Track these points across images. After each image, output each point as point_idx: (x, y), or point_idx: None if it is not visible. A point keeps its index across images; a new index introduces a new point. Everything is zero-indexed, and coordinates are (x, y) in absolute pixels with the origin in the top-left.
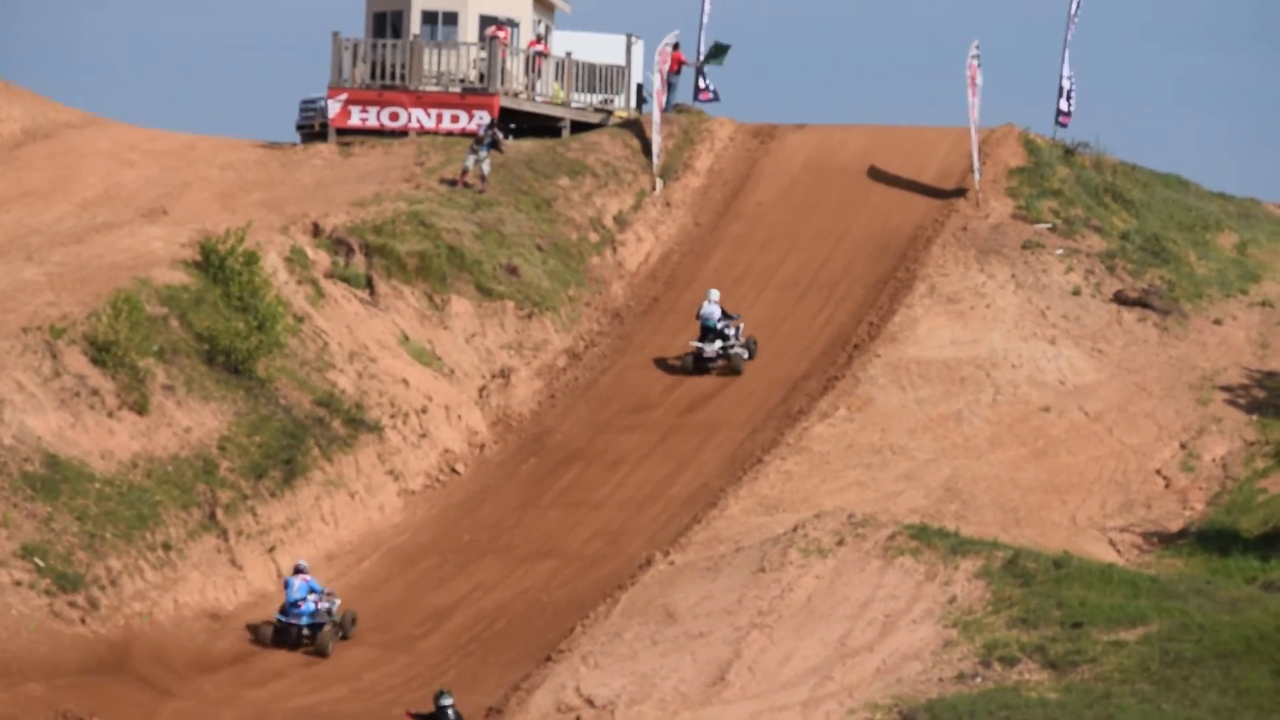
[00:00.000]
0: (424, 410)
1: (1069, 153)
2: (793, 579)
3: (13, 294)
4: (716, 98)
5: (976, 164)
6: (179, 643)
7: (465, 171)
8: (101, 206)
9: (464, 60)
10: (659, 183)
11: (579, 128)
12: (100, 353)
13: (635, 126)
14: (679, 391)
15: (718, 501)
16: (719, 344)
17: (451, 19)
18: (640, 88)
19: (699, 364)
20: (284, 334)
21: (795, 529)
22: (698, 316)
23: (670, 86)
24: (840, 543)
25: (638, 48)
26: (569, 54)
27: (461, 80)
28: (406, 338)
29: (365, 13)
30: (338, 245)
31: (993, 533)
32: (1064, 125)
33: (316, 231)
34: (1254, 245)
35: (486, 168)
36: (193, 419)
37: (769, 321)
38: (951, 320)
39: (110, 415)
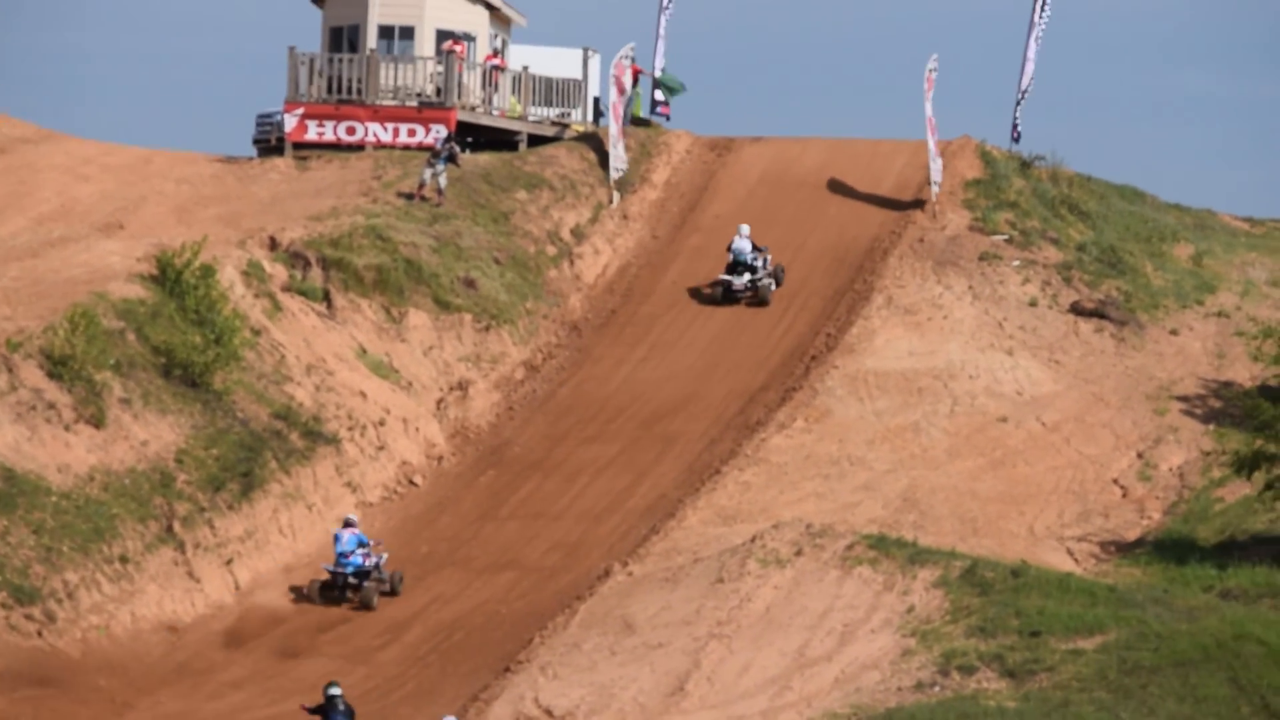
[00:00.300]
0: (381, 423)
1: (1025, 165)
2: (751, 589)
3: None
4: (668, 119)
5: (933, 176)
6: (136, 655)
7: (422, 185)
8: (57, 221)
9: (420, 74)
10: (616, 196)
11: (536, 141)
12: (57, 366)
13: (592, 140)
14: (637, 403)
15: (676, 512)
16: (747, 276)
17: (408, 33)
18: (597, 101)
19: (728, 295)
20: (241, 347)
21: (753, 540)
22: (729, 249)
23: (628, 98)
24: (798, 553)
25: (594, 61)
26: (526, 68)
27: (418, 94)
28: (364, 350)
29: (321, 27)
30: (295, 259)
31: (950, 543)
32: (1015, 140)
33: (273, 245)
34: (1210, 256)
35: (444, 181)
36: (150, 432)
37: (727, 334)
38: (909, 331)
39: (67, 429)
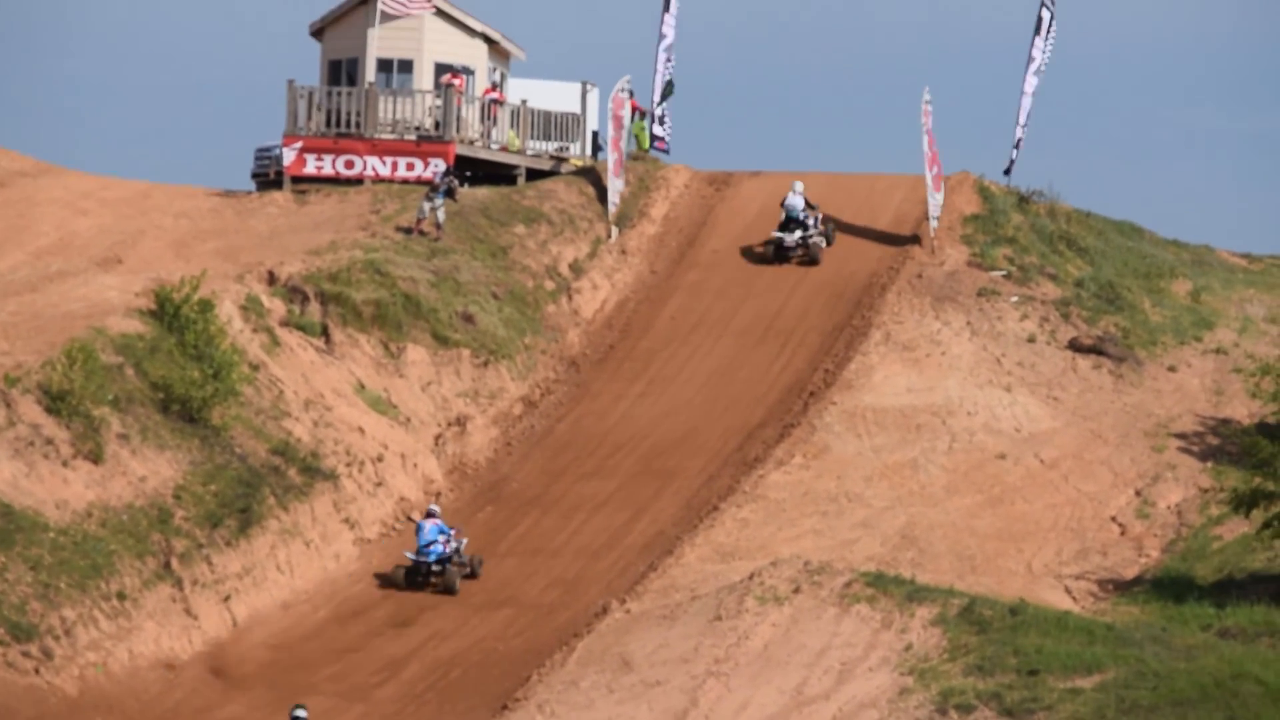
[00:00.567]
0: (380, 458)
1: (1024, 200)
2: (749, 627)
3: None
4: (668, 152)
5: (932, 211)
6: (134, 693)
7: (420, 219)
8: (56, 255)
9: (419, 108)
10: (615, 230)
11: (534, 175)
12: (55, 402)
13: (591, 174)
14: (635, 439)
15: (674, 549)
16: (799, 233)
17: (407, 67)
18: (595, 135)
19: (780, 252)
20: (239, 382)
21: (751, 577)
22: (782, 206)
23: (628, 131)
24: (796, 590)
25: (593, 95)
26: (524, 101)
27: (417, 128)
28: (362, 386)
29: (320, 61)
30: (293, 293)
31: (949, 580)
32: (1007, 173)
33: (272, 280)
34: (1208, 292)
35: (442, 215)
36: (148, 468)
37: (725, 369)
38: (907, 368)
39: (65, 464)
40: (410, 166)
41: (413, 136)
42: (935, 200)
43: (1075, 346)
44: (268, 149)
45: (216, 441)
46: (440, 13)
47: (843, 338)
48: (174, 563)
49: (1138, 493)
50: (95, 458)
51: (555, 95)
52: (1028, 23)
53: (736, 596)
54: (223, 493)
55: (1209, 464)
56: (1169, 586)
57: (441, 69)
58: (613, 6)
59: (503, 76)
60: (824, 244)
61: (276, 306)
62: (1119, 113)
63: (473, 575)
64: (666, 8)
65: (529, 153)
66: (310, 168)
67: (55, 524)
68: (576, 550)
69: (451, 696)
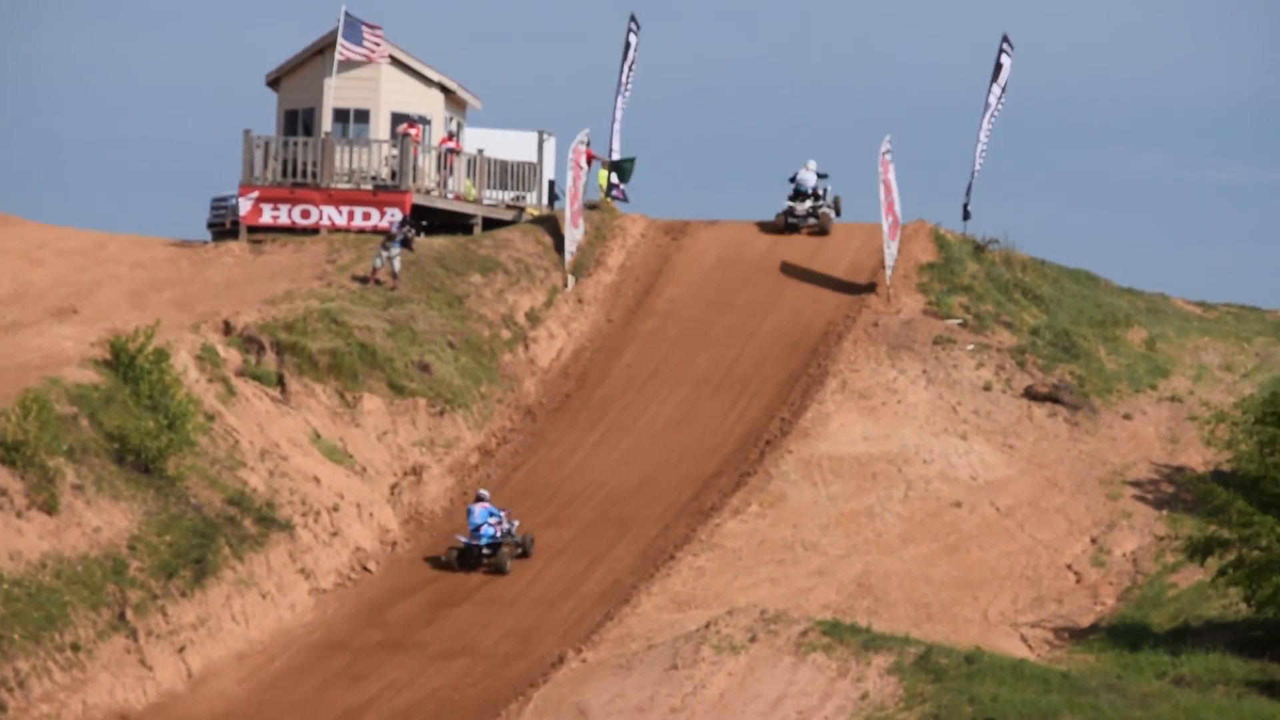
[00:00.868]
0: (335, 508)
1: (979, 249)
2: (705, 676)
3: None
4: (625, 198)
5: (888, 260)
6: None
7: (376, 269)
8: (10, 305)
9: (376, 158)
10: (571, 279)
11: (491, 224)
12: (9, 452)
13: (547, 223)
14: (591, 488)
15: (630, 598)
16: (809, 203)
17: (363, 116)
18: (552, 184)
19: (790, 223)
20: (194, 432)
21: (708, 626)
22: (792, 180)
23: (589, 179)
24: (753, 639)
25: (550, 144)
26: (481, 151)
27: (373, 177)
28: (318, 435)
29: (277, 110)
30: (249, 343)
31: (905, 628)
32: (965, 218)
33: (228, 329)
34: (1163, 340)
35: (398, 265)
36: (102, 518)
37: (681, 418)
38: (863, 416)
39: (19, 515)
40: (366, 216)
41: (369, 186)
42: (891, 249)
43: (1031, 394)
44: (224, 199)
45: (171, 492)
46: (397, 62)
47: (799, 386)
48: (129, 614)
49: (1093, 540)
50: (50, 508)
51: (512, 145)
52: (983, 70)
53: (693, 645)
54: (178, 543)
55: (1164, 512)
56: (1124, 634)
57: (398, 119)
58: (570, 56)
59: (459, 126)
60: (834, 215)
61: (232, 356)
62: (1074, 161)
63: (525, 554)
64: (625, 58)
65: (485, 202)
66: (266, 217)
67: (9, 575)
68: (533, 600)
69: None
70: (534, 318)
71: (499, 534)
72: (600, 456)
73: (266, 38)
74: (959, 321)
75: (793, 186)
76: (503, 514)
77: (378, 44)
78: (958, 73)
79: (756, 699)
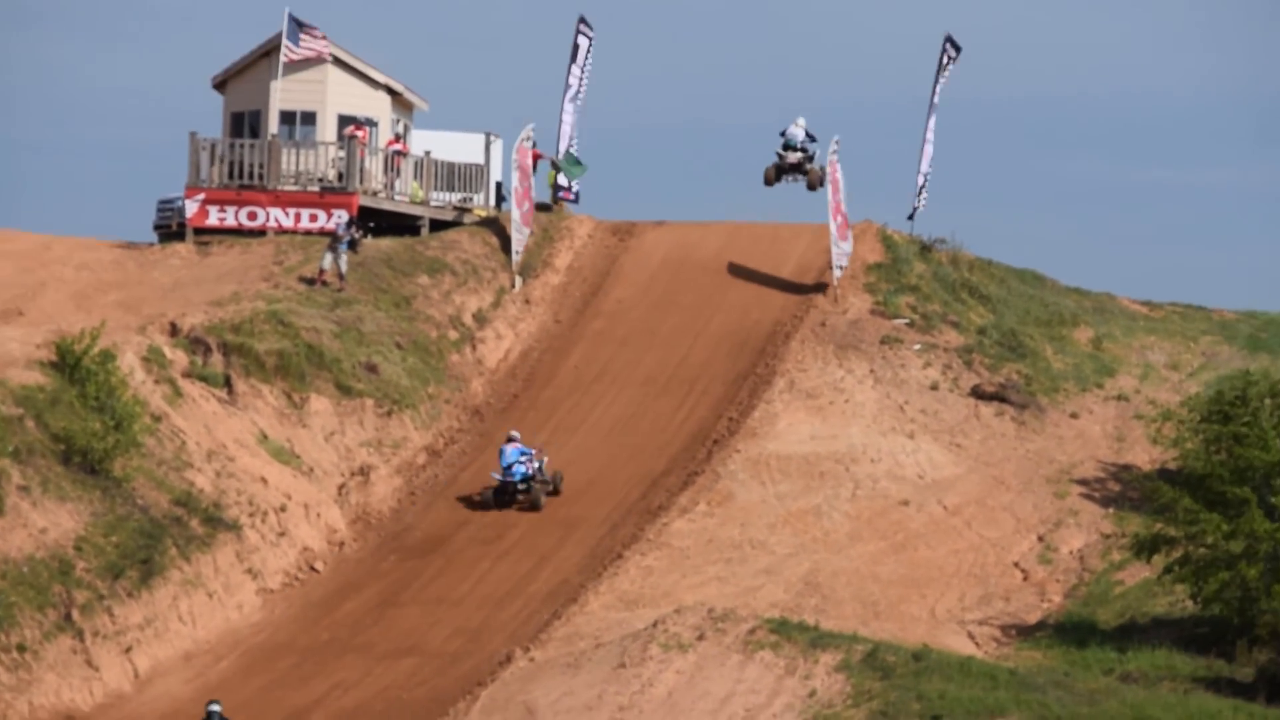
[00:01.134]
0: (283, 509)
1: (926, 249)
2: (653, 674)
3: None
4: (576, 199)
5: (835, 260)
6: None
7: (323, 270)
8: None
9: (322, 159)
10: (518, 280)
11: (438, 226)
12: None
13: (494, 224)
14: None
15: (578, 597)
16: (799, 154)
17: (310, 119)
18: (499, 185)
19: (780, 171)
20: (141, 433)
21: (655, 624)
22: (782, 134)
23: (538, 179)
24: (701, 637)
25: (496, 146)
26: (428, 153)
27: (320, 179)
28: (265, 436)
29: (223, 112)
30: (195, 344)
31: (852, 626)
32: (910, 217)
33: (174, 331)
34: (1109, 340)
35: (345, 265)
36: (48, 519)
37: (629, 418)
38: (811, 415)
39: None
40: (314, 218)
41: (316, 188)
42: (839, 249)
43: (978, 394)
44: (170, 201)
45: (118, 493)
46: (343, 65)
47: (746, 386)
48: (75, 614)
49: (1040, 538)
50: None
51: (459, 146)
52: (930, 70)
53: (641, 644)
54: (124, 544)
55: (1111, 510)
56: (1071, 631)
57: (344, 121)
58: (517, 58)
59: (406, 128)
60: (821, 173)
61: (179, 358)
62: (1020, 162)
63: (555, 492)
64: (573, 58)
65: (433, 203)
66: (213, 219)
67: None
68: (480, 599)
69: None
70: (481, 318)
71: (531, 471)
72: (548, 456)
73: (212, 40)
74: (906, 321)
75: (782, 140)
76: (533, 451)
77: (317, 45)
78: (905, 73)
79: (705, 697)
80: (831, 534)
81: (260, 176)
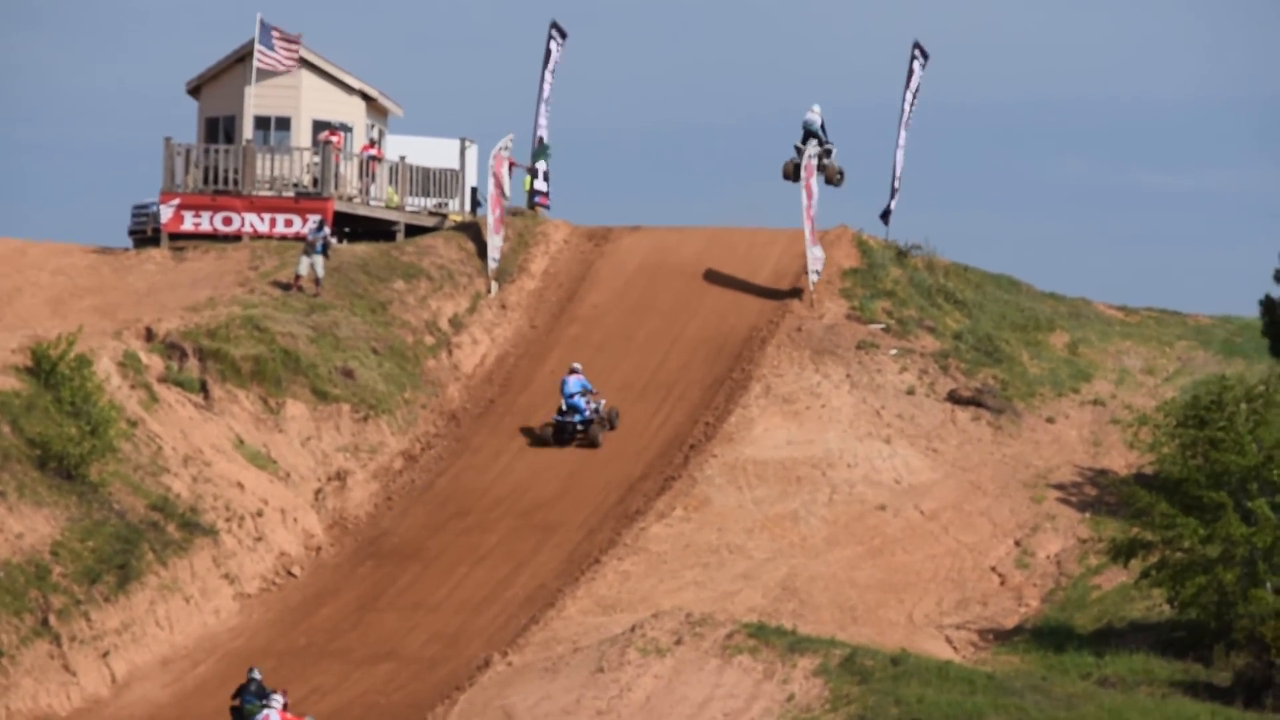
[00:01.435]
0: (259, 513)
1: (902, 254)
2: (631, 679)
3: None
4: (548, 206)
5: (811, 265)
6: None
7: (299, 276)
8: None
9: (297, 165)
10: (494, 285)
11: (414, 231)
12: None
13: (470, 229)
14: (516, 493)
15: (555, 602)
16: (815, 148)
17: (284, 124)
18: (475, 191)
19: (798, 167)
20: (117, 439)
21: (633, 629)
22: (804, 125)
23: (514, 186)
24: (678, 642)
25: (472, 151)
26: (403, 158)
27: (295, 184)
28: (241, 441)
29: (198, 118)
30: (171, 350)
31: (830, 631)
32: (884, 220)
33: (150, 336)
34: (1085, 344)
35: (321, 271)
36: (25, 525)
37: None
38: (787, 420)
39: None
40: (289, 223)
41: (291, 193)
42: (814, 254)
43: (954, 398)
44: (145, 206)
45: (94, 498)
46: (318, 70)
47: (723, 391)
48: (52, 619)
49: (1017, 543)
50: None
51: (434, 151)
52: (901, 76)
53: (618, 648)
54: (101, 549)
55: (1087, 514)
56: (1049, 636)
57: (319, 126)
58: (491, 63)
59: (381, 133)
60: (839, 168)
61: (155, 363)
62: (995, 167)
63: (612, 427)
64: (546, 63)
65: (408, 209)
66: (188, 224)
67: None
68: (458, 604)
69: None
70: (457, 324)
71: (589, 411)
72: (524, 461)
73: (187, 45)
74: (882, 326)
75: (802, 130)
76: (593, 389)
77: (289, 50)
78: (883, 77)
79: (683, 701)
80: (809, 539)
81: (235, 182)
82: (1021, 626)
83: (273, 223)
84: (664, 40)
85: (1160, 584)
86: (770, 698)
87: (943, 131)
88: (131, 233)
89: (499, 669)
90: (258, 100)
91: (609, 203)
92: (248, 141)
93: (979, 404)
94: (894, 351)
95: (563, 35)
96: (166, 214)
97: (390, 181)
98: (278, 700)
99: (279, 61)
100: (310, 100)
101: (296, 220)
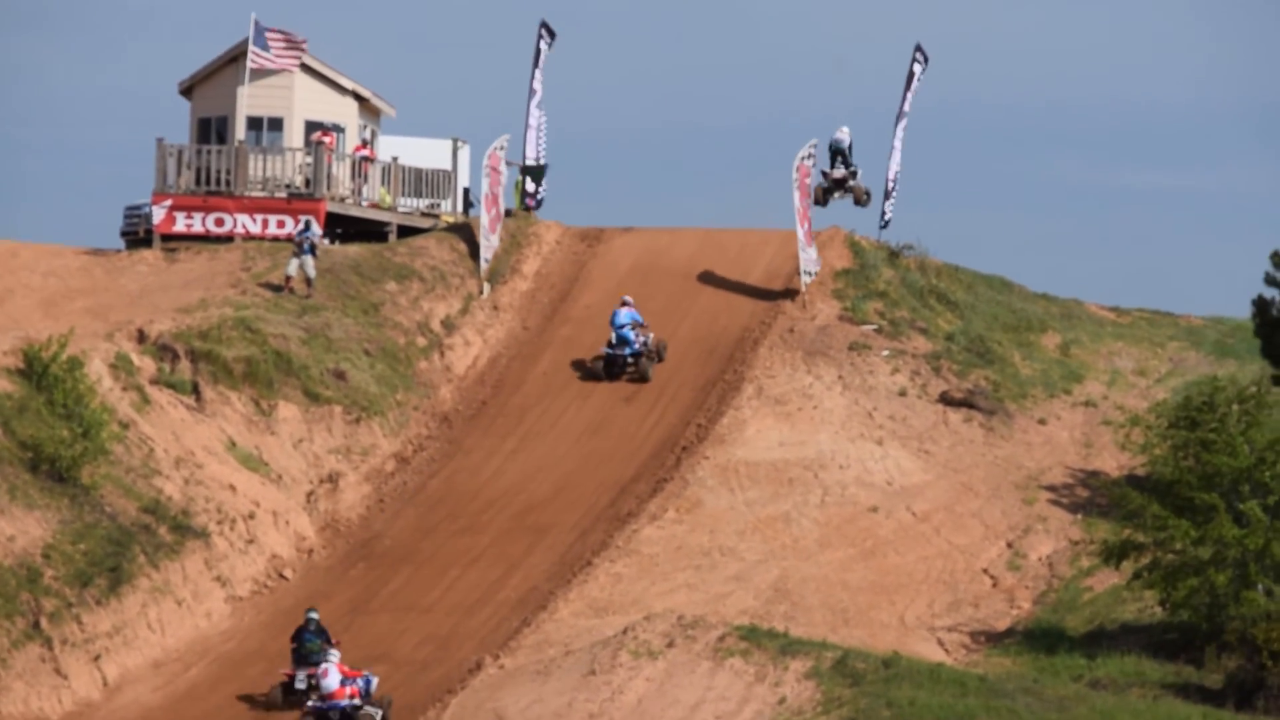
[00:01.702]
0: (251, 516)
1: (894, 255)
2: (623, 681)
3: None
4: (539, 205)
5: (803, 266)
6: None
7: (289, 278)
8: None
9: (290, 165)
10: (487, 286)
11: (406, 232)
12: None
13: (462, 230)
14: (508, 495)
15: (547, 604)
16: (842, 170)
17: (277, 125)
18: (467, 191)
19: (827, 192)
20: (109, 441)
21: (625, 631)
22: (831, 145)
23: (506, 187)
24: (670, 644)
25: (464, 152)
26: (395, 159)
27: (287, 185)
28: (233, 443)
29: (190, 119)
30: (163, 351)
31: (822, 633)
32: (883, 227)
33: (142, 338)
34: (1077, 345)
35: (312, 272)
36: (16, 527)
37: (598, 425)
38: (779, 422)
39: None
40: (281, 224)
41: (283, 194)
42: (807, 255)
43: (946, 400)
44: (137, 207)
45: (86, 500)
46: (310, 70)
47: (715, 392)
48: (43, 622)
49: (1009, 545)
50: None
51: (426, 152)
52: (898, 77)
53: (610, 651)
54: (93, 551)
55: (1079, 516)
56: (1040, 638)
57: (312, 126)
58: (484, 64)
59: (373, 134)
60: (866, 189)
61: (146, 365)
62: (987, 167)
63: (660, 359)
64: (536, 63)
65: (400, 209)
66: (180, 225)
67: None
68: (450, 606)
69: None
70: (450, 325)
71: (639, 344)
72: (517, 463)
73: (179, 45)
74: (874, 327)
75: (829, 151)
76: (644, 322)
77: (287, 52)
78: (878, 78)
79: (675, 704)
80: (801, 541)
81: (227, 182)
82: (1013, 628)
83: (265, 224)
84: (657, 41)
85: (1152, 586)
86: (762, 700)
87: (934, 132)
88: (123, 234)
89: (491, 671)
90: (250, 101)
91: (601, 204)
92: (240, 142)
93: (971, 405)
94: (886, 353)
95: (551, 35)
96: (159, 215)
97: (383, 182)
98: (335, 654)
99: (275, 61)
100: (303, 101)
101: (289, 221)
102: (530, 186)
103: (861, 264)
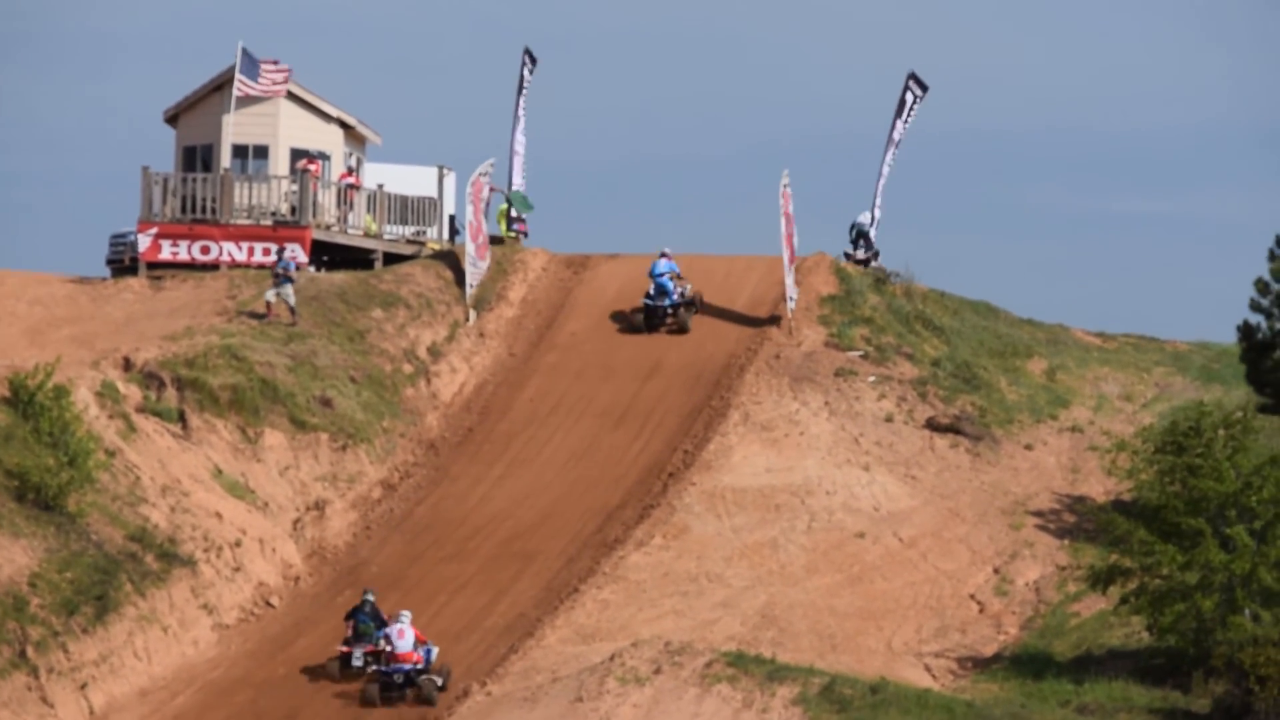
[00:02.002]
0: (238, 543)
1: (880, 281)
2: (610, 708)
3: None
4: (526, 233)
5: (789, 292)
6: None
7: (269, 305)
8: None
9: (275, 193)
10: (473, 313)
11: (392, 259)
12: None
13: (448, 258)
14: (495, 522)
15: (535, 631)
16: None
17: (262, 152)
18: (453, 219)
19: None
20: (95, 469)
21: (612, 658)
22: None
23: (492, 214)
24: (657, 671)
25: (449, 179)
26: (381, 186)
27: (273, 213)
28: (220, 471)
29: (175, 146)
30: (149, 379)
31: (809, 659)
32: (877, 258)
33: (128, 366)
34: (1063, 371)
35: (292, 300)
36: (2, 556)
37: (584, 451)
38: (766, 448)
39: None
40: (267, 251)
41: (269, 221)
42: (793, 281)
43: (932, 425)
44: (123, 235)
45: (72, 529)
46: (295, 98)
47: (701, 419)
48: (30, 651)
49: (996, 570)
50: None
51: (412, 179)
52: (883, 103)
53: (598, 678)
54: (79, 580)
55: (1066, 541)
56: (1028, 663)
57: (297, 154)
58: (468, 91)
59: (359, 161)
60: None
61: (132, 392)
62: (972, 193)
63: (697, 310)
64: (520, 90)
65: (386, 237)
66: (166, 253)
67: None
68: (437, 633)
69: None
70: (436, 352)
71: (677, 295)
72: (503, 490)
73: (164, 73)
74: (860, 353)
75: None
76: (679, 272)
77: (277, 80)
78: (857, 106)
79: None
80: (787, 566)
81: (213, 210)
82: (1000, 654)
83: (251, 251)
84: (643, 70)
85: (1139, 611)
86: None
87: (920, 157)
88: (109, 262)
89: (478, 699)
90: (235, 128)
91: (587, 231)
92: (225, 170)
93: (957, 431)
94: (872, 379)
95: (533, 61)
96: (144, 243)
97: (368, 210)
98: (407, 615)
99: (259, 88)
100: (288, 128)
101: (274, 249)
102: (514, 213)
103: (847, 290)
